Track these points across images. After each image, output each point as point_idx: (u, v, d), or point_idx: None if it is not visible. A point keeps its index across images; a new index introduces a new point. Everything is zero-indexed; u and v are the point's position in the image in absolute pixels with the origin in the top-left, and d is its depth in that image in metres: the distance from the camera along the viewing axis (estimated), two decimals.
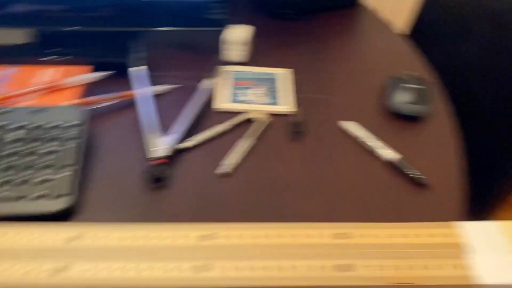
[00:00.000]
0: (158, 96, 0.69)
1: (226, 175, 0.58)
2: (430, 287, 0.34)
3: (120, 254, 0.38)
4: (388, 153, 0.62)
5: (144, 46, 0.74)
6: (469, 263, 0.35)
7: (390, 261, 0.35)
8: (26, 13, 0.74)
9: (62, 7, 0.74)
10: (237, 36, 0.74)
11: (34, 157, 0.54)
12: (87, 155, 0.59)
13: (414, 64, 0.82)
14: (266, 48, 0.82)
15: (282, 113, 0.68)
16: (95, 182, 0.56)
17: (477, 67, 0.90)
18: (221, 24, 0.76)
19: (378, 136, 0.65)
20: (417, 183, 0.59)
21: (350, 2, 0.98)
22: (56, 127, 0.57)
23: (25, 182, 0.51)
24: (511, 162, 0.85)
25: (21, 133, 0.56)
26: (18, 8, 0.73)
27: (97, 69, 0.70)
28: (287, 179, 0.59)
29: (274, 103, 0.69)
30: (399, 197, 0.58)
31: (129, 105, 0.66)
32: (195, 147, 0.62)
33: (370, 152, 0.64)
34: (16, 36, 0.77)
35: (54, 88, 0.67)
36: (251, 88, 0.71)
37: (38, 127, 0.57)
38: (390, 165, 0.62)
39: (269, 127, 0.66)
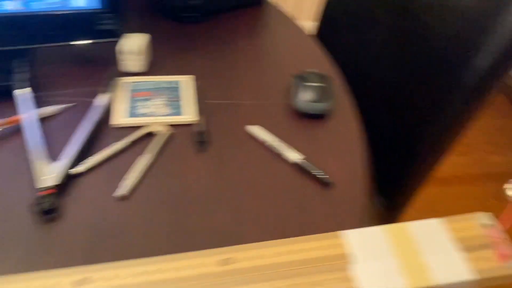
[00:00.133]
0: (48, 119, 0.64)
1: (124, 198, 0.55)
2: None
3: None
4: (293, 155, 0.61)
5: (31, 66, 0.68)
6: (353, 274, 0.34)
7: (279, 282, 0.34)
8: None
9: None
10: (132, 46, 0.71)
11: None
12: None
13: (319, 60, 0.82)
14: (168, 54, 0.78)
15: (185, 123, 0.65)
16: None
17: (382, 58, 0.92)
18: (115, 34, 0.72)
19: (285, 138, 0.64)
20: (323, 183, 0.59)
21: (256, 0, 0.96)
22: None
23: None
24: (420, 144, 0.87)
25: None
26: None
27: None
28: (192, 194, 0.56)
29: (176, 113, 0.66)
30: (306, 198, 0.57)
31: (16, 131, 0.61)
32: (90, 170, 0.58)
33: (278, 155, 0.62)
34: None
35: None
36: (151, 99, 0.68)
37: None
38: (297, 166, 0.61)
39: (171, 140, 0.63)
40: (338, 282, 0.33)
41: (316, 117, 0.69)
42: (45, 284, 0.34)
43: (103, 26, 0.71)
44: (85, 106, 0.65)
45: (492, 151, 1.82)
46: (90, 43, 0.72)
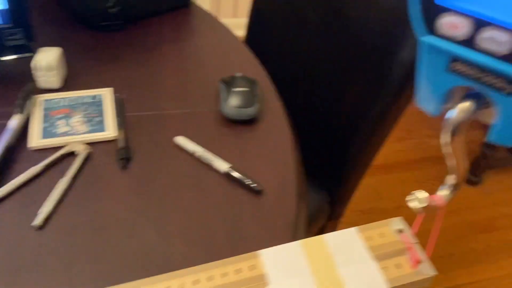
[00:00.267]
0: None
1: (41, 227, 0.52)
2: None
3: None
4: (222, 164, 0.60)
5: None
6: None
7: None
8: None
9: None
10: (41, 61, 0.66)
11: None
12: None
13: (247, 63, 0.81)
14: (87, 67, 0.74)
15: (107, 140, 0.62)
16: None
17: (312, 55, 0.92)
18: (27, 49, 0.68)
19: (215, 146, 0.62)
20: (254, 191, 0.58)
21: (182, 2, 0.94)
22: None
23: None
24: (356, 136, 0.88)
25: None
26: None
27: None
28: (115, 216, 0.54)
29: (97, 130, 0.63)
30: (237, 208, 0.56)
31: None
32: (4, 198, 0.54)
33: (208, 166, 0.61)
34: None
35: None
36: (68, 117, 0.64)
37: None
38: (228, 176, 0.59)
39: (91, 159, 0.60)
40: None
41: (245, 123, 0.67)
42: None
43: (12, 42, 0.67)
44: None
45: (432, 135, 1.89)
46: (1, 61, 0.67)
